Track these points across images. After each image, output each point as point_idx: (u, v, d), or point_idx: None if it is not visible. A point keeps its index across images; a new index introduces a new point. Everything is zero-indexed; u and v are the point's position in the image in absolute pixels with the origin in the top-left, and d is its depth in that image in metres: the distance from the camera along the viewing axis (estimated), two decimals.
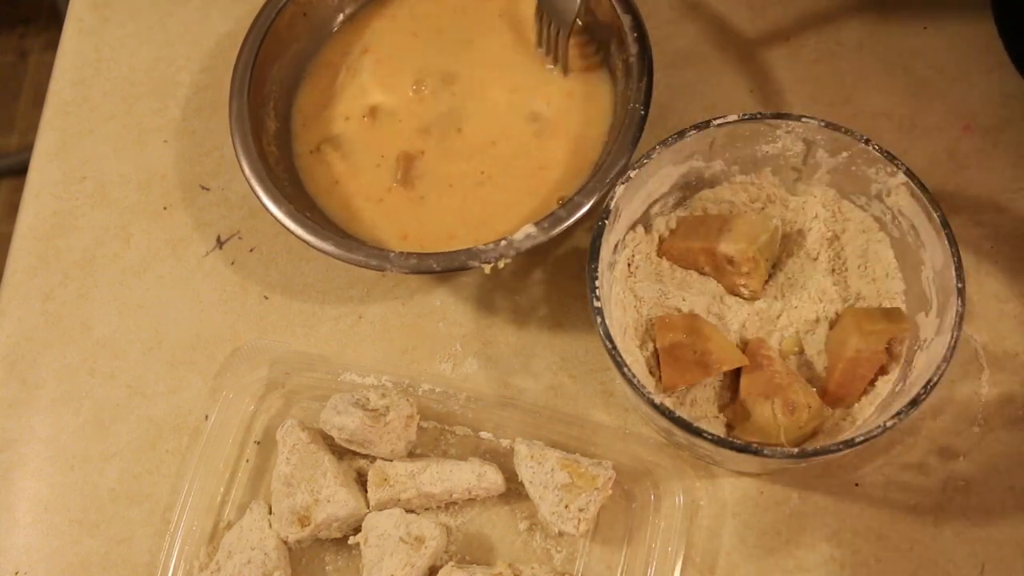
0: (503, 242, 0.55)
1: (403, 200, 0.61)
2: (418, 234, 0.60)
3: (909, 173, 0.52)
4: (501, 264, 0.55)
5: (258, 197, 0.59)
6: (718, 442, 0.48)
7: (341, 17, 0.67)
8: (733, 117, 0.54)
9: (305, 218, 0.58)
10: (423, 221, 0.61)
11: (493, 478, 0.55)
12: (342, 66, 0.66)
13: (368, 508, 0.56)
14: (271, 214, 0.58)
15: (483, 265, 0.55)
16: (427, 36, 0.66)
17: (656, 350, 0.55)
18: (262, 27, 0.63)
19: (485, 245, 0.55)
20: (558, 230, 0.55)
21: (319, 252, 0.57)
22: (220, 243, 0.66)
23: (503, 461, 0.57)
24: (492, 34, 0.66)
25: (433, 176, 0.62)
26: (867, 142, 0.53)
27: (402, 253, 0.56)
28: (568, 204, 0.55)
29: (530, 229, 0.55)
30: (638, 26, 0.60)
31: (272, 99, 0.64)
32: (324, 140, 0.64)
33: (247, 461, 0.59)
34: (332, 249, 0.57)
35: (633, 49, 0.59)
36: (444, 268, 0.55)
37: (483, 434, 0.58)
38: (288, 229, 0.58)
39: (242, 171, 0.59)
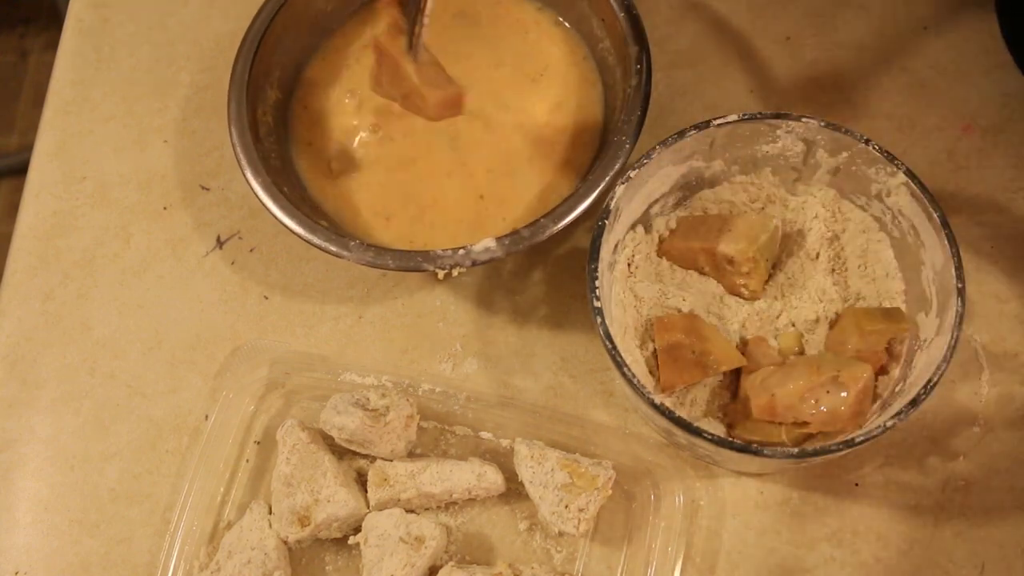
0: (461, 251, 0.55)
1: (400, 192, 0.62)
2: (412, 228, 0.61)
3: (909, 173, 0.52)
4: (455, 272, 0.56)
5: (236, 156, 0.59)
6: (718, 442, 0.48)
7: (343, 16, 0.67)
8: (733, 117, 0.54)
9: (278, 192, 0.58)
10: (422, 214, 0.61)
11: (493, 478, 0.55)
12: (349, 51, 0.66)
13: (368, 508, 0.56)
14: (244, 176, 0.59)
15: (437, 270, 0.55)
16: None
17: (656, 350, 0.55)
18: (262, 25, 0.63)
19: (443, 251, 0.55)
20: (517, 248, 0.55)
21: (285, 228, 0.57)
22: (220, 243, 0.66)
23: (503, 461, 0.57)
24: (503, 37, 0.66)
25: (432, 168, 0.62)
26: (867, 142, 0.53)
27: (361, 243, 0.57)
28: (533, 225, 0.55)
29: (490, 243, 0.55)
30: (633, 20, 0.60)
31: (278, 69, 0.64)
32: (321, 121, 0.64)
33: (247, 461, 0.59)
34: (296, 227, 0.57)
35: (634, 81, 0.59)
36: (399, 267, 0.56)
37: (483, 434, 0.58)
38: (251, 187, 0.58)
39: (230, 135, 0.60)
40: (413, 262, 0.56)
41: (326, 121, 0.65)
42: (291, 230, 0.57)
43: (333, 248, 0.56)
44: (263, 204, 0.58)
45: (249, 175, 0.59)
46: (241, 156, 0.59)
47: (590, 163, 0.61)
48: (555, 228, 0.55)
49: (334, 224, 0.61)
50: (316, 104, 0.65)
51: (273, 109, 0.63)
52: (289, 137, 0.64)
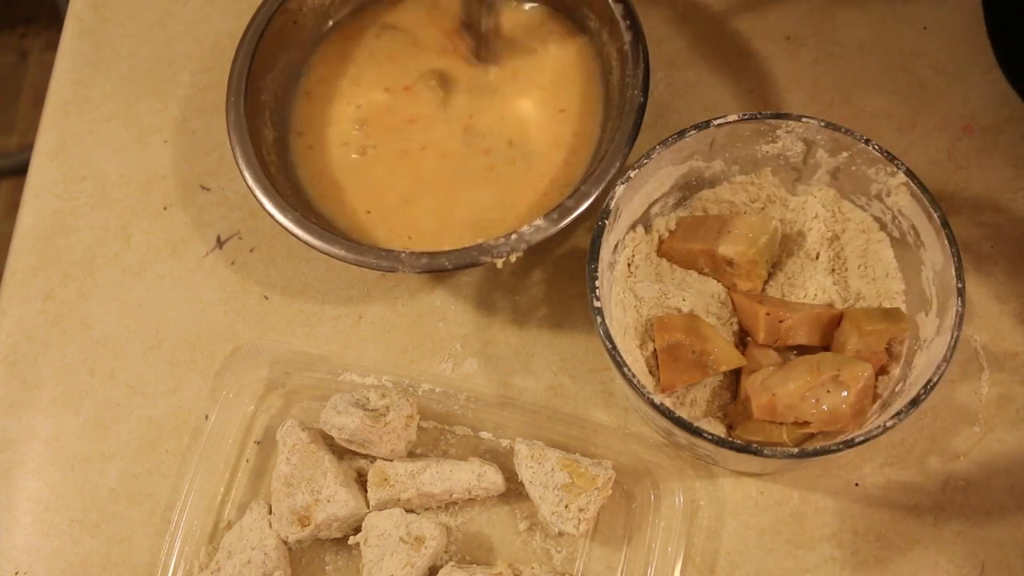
0: (513, 236, 0.55)
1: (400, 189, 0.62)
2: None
3: (909, 173, 0.52)
4: (513, 258, 0.55)
5: (263, 206, 0.58)
6: (718, 442, 0.48)
7: (330, 24, 0.67)
8: (733, 117, 0.54)
9: (312, 224, 0.58)
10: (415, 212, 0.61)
11: (493, 478, 0.55)
12: (354, 50, 0.66)
13: (368, 508, 0.56)
14: (280, 224, 0.58)
15: (495, 260, 0.55)
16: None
17: (656, 350, 0.55)
18: (254, 36, 0.62)
19: (496, 240, 0.55)
20: (567, 220, 0.55)
21: (327, 256, 0.57)
22: (220, 243, 0.66)
23: (503, 461, 0.57)
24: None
25: (431, 168, 0.62)
26: (867, 142, 0.53)
27: (413, 253, 0.56)
28: (575, 194, 0.55)
29: (539, 222, 0.55)
30: (630, 14, 0.60)
31: (268, 109, 0.63)
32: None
33: (247, 461, 0.59)
34: (296, 229, 0.57)
35: (627, 37, 0.59)
36: (456, 265, 0.55)
37: (483, 434, 0.58)
38: (298, 237, 0.57)
39: (244, 179, 0.59)
40: (470, 257, 0.55)
41: (327, 122, 0.64)
42: (291, 232, 0.57)
43: (385, 264, 0.56)
44: (262, 206, 0.58)
45: (248, 176, 0.59)
46: (239, 157, 0.59)
47: (588, 165, 0.61)
48: (552, 231, 0.55)
49: (332, 226, 0.61)
50: (317, 104, 0.65)
51: (272, 108, 0.63)
52: (289, 138, 0.64)
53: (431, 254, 0.56)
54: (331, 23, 0.67)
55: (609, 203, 0.52)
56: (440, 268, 0.55)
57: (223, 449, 0.58)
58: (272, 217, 0.58)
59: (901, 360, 0.53)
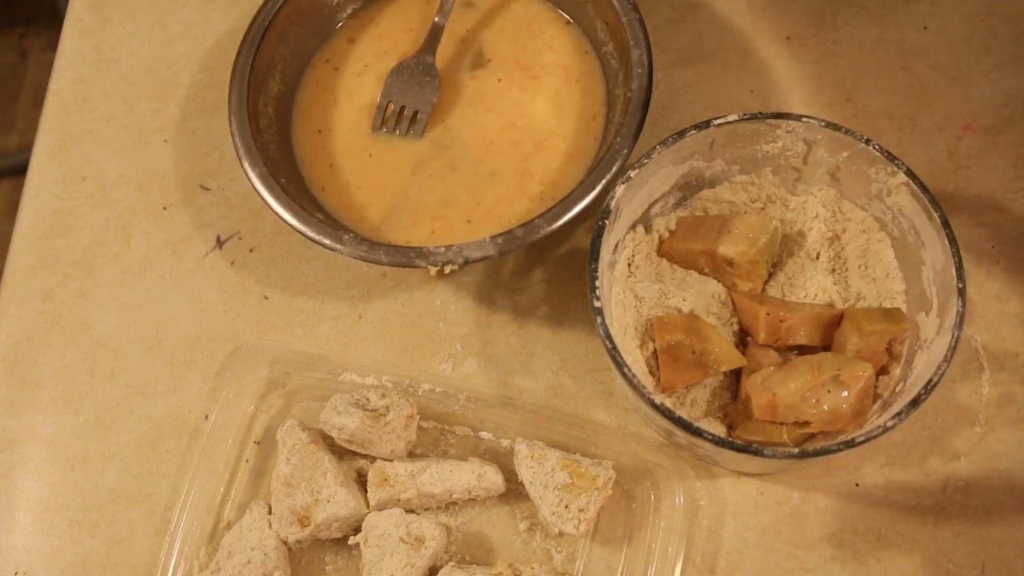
0: (454, 248, 0.55)
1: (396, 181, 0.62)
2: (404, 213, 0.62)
3: (909, 173, 0.52)
4: (447, 270, 0.56)
5: (235, 146, 0.59)
6: (718, 442, 0.48)
7: (347, 12, 0.67)
8: (733, 117, 0.54)
9: (278, 186, 0.58)
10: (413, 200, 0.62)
11: (493, 478, 0.55)
12: (362, 45, 0.66)
13: (368, 508, 0.56)
14: (242, 166, 0.59)
15: (429, 267, 0.56)
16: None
17: (656, 350, 0.55)
18: (266, 17, 0.63)
19: (436, 247, 0.55)
20: (562, 221, 0.55)
21: (280, 219, 0.58)
22: (220, 243, 0.66)
23: (503, 461, 0.57)
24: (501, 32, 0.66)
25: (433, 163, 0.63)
26: (867, 142, 0.53)
27: (355, 237, 0.57)
28: (527, 225, 0.55)
29: (485, 242, 0.55)
30: (634, 14, 0.60)
31: (281, 60, 0.64)
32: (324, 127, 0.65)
33: (247, 461, 0.59)
34: (291, 219, 0.57)
35: (635, 85, 0.59)
36: (391, 262, 0.56)
37: (483, 434, 0.58)
38: (247, 176, 0.58)
39: (230, 125, 0.60)
40: (406, 258, 0.56)
41: (332, 114, 0.65)
42: (286, 221, 0.57)
43: (327, 241, 0.57)
44: (259, 194, 0.58)
45: (247, 165, 0.59)
46: (240, 146, 0.59)
47: (590, 165, 0.61)
48: (549, 228, 0.55)
49: (331, 218, 0.61)
50: (323, 96, 0.65)
51: (275, 101, 0.63)
52: (291, 130, 0.64)
53: (371, 244, 0.56)
54: (336, 18, 0.67)
55: (609, 203, 0.52)
56: (375, 260, 0.56)
57: (223, 449, 0.58)
58: (269, 206, 0.58)
59: (901, 360, 0.53)
